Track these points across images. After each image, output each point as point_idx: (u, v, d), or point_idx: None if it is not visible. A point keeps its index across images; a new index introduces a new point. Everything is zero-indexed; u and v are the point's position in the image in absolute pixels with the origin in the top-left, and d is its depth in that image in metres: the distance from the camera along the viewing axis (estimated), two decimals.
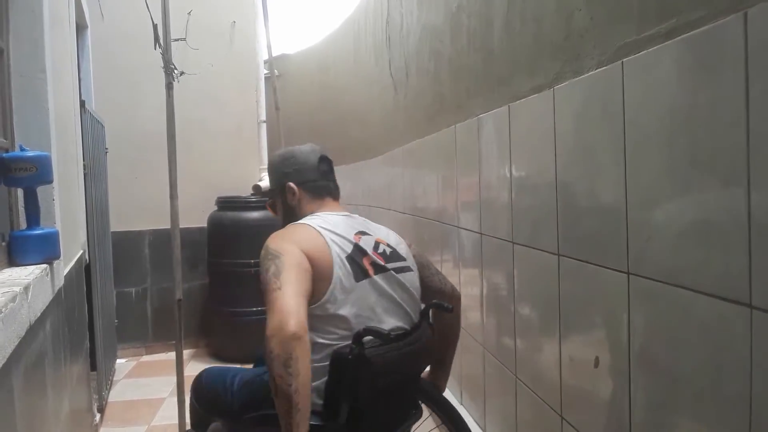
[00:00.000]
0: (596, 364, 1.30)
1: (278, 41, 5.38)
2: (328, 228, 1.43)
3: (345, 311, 1.36)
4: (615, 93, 1.21)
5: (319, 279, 1.33)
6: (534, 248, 1.63)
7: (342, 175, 6.26)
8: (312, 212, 1.55)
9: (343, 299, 1.36)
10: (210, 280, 3.87)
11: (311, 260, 1.32)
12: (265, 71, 4.61)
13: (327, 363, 1.33)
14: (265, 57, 4.40)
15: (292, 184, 1.59)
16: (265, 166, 4.34)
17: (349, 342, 1.31)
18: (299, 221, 1.50)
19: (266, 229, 3.73)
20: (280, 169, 1.64)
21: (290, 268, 1.27)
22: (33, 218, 1.55)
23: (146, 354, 3.86)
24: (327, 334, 1.35)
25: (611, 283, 1.24)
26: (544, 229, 1.56)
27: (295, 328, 1.16)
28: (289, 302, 1.20)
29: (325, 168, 1.65)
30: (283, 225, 1.55)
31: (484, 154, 1.98)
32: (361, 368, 1.30)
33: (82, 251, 2.54)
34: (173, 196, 2.47)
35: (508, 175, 1.80)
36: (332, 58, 6.45)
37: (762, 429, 0.86)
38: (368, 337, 1.32)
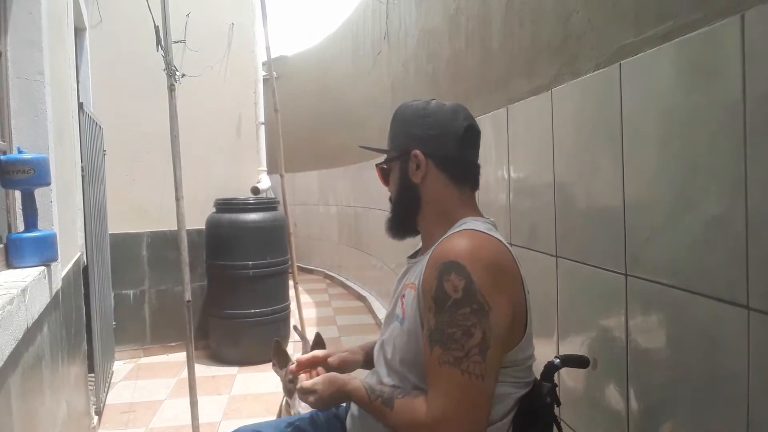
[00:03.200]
0: (594, 365, 1.30)
1: (277, 43, 5.39)
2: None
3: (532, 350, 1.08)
4: (613, 95, 1.21)
5: (517, 323, 1.01)
6: (532, 250, 1.63)
7: (341, 177, 6.30)
8: (456, 209, 1.12)
9: (531, 335, 1.07)
10: (208, 282, 3.87)
11: (513, 311, 0.99)
12: (264, 73, 4.61)
13: (508, 418, 1.04)
14: (264, 59, 4.40)
15: (419, 153, 1.11)
16: (264, 168, 4.34)
17: (524, 388, 1.05)
18: (484, 231, 1.05)
19: (265, 231, 3.77)
20: (407, 127, 1.14)
21: (497, 343, 0.95)
22: (30, 220, 1.55)
23: (144, 356, 3.86)
24: (513, 380, 1.03)
25: (609, 285, 1.24)
26: (542, 230, 1.56)
27: (473, 421, 0.93)
28: (485, 406, 0.95)
29: (472, 142, 1.16)
30: (398, 205, 1.17)
31: (482, 155, 1.97)
32: (552, 412, 1.07)
33: (79, 253, 2.53)
34: (179, 197, 2.46)
35: (506, 176, 1.81)
36: (331, 59, 6.46)
37: (759, 428, 0.86)
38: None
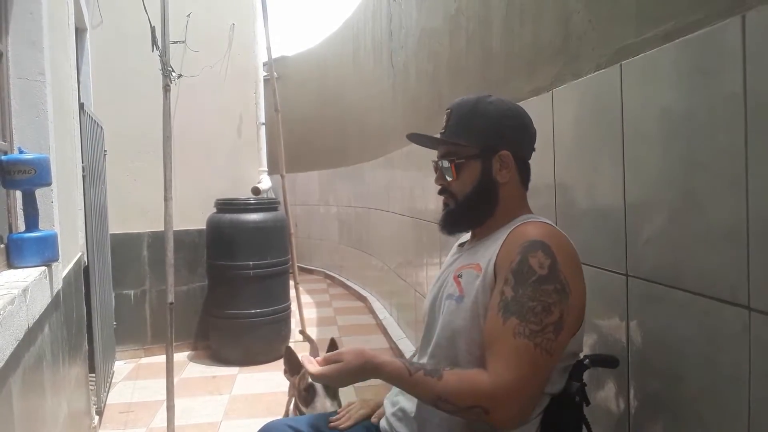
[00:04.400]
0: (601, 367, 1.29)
1: (277, 43, 5.39)
2: None
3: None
4: (613, 95, 1.21)
5: (580, 316, 1.05)
6: None
7: (341, 177, 6.30)
8: (520, 207, 1.16)
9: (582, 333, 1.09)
10: (209, 282, 3.87)
11: (581, 302, 1.04)
12: (265, 73, 4.61)
13: (539, 417, 1.05)
14: (265, 59, 4.40)
15: (509, 155, 1.12)
16: (265, 168, 4.34)
17: (558, 386, 1.06)
18: (553, 226, 1.09)
19: (266, 231, 3.77)
20: (496, 126, 1.13)
21: (568, 328, 0.98)
22: (31, 220, 1.55)
23: (145, 356, 3.86)
24: (554, 374, 1.04)
25: (610, 285, 1.24)
26: None
27: (529, 413, 0.96)
28: (544, 383, 0.98)
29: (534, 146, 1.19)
30: (471, 201, 1.14)
31: None
32: (581, 411, 1.07)
33: (80, 253, 2.53)
34: (167, 198, 2.46)
35: None
36: (331, 60, 6.46)
37: (760, 429, 0.86)
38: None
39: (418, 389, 0.99)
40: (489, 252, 1.08)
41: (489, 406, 0.92)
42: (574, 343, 1.04)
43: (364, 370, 1.01)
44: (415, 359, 1.21)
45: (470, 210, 1.15)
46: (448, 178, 1.15)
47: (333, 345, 1.65)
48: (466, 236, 1.29)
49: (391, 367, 1.00)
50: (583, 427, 1.09)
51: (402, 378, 1.00)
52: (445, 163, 1.15)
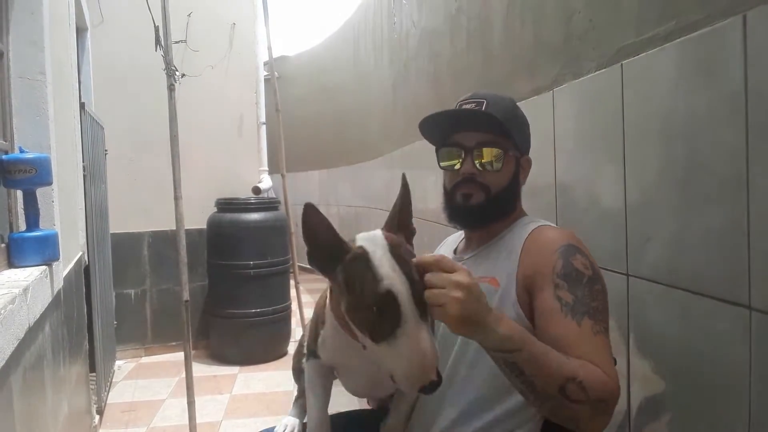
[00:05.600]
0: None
1: (278, 43, 5.39)
2: None
3: None
4: (614, 95, 1.21)
5: None
6: None
7: (341, 176, 6.28)
8: (520, 209, 1.16)
9: None
10: (209, 281, 3.87)
11: None
12: (265, 73, 4.61)
13: (539, 418, 1.01)
14: (265, 59, 4.40)
15: (530, 160, 1.17)
16: (265, 168, 4.34)
17: None
18: (555, 226, 1.10)
19: (266, 231, 3.77)
20: (524, 128, 1.15)
21: (606, 310, 0.97)
22: (32, 220, 1.55)
23: (145, 355, 3.86)
24: None
25: (611, 285, 1.24)
26: None
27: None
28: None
29: None
30: (499, 199, 1.09)
31: None
32: None
33: (81, 253, 2.53)
34: (177, 196, 2.46)
35: None
36: (332, 60, 6.46)
37: (760, 428, 0.86)
38: None
39: (548, 359, 0.83)
40: (506, 264, 1.03)
41: (612, 403, 0.85)
42: None
43: (481, 314, 0.78)
44: None
45: (499, 206, 1.09)
46: (492, 168, 1.07)
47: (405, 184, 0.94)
48: (455, 238, 1.25)
49: (512, 321, 0.85)
50: None
51: (527, 338, 0.83)
52: (492, 150, 1.06)
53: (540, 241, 1.02)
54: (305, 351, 1.08)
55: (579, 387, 0.82)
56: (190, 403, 2.43)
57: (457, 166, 1.09)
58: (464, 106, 1.10)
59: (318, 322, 1.02)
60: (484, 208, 1.08)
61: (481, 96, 1.10)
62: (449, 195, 1.13)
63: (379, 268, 0.76)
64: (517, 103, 1.17)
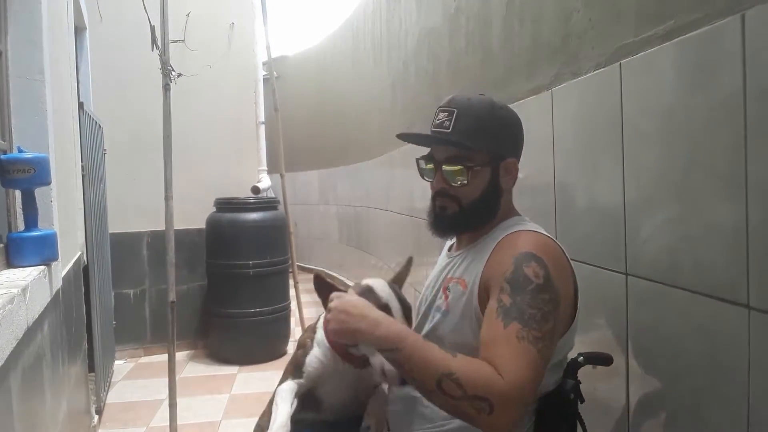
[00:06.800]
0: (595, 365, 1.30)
1: (277, 43, 5.38)
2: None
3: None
4: (613, 94, 1.21)
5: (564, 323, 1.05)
6: None
7: (340, 176, 6.27)
8: (516, 213, 1.17)
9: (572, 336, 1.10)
10: (208, 281, 3.87)
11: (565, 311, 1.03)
12: (264, 72, 4.61)
13: (530, 415, 1.06)
14: (264, 58, 4.40)
15: (515, 162, 1.13)
16: (264, 167, 4.34)
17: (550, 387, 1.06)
18: (544, 233, 1.08)
19: (265, 230, 3.76)
20: (507, 133, 1.13)
21: (558, 325, 0.97)
22: (31, 220, 1.55)
23: (144, 355, 3.86)
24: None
25: (610, 285, 1.24)
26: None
27: (530, 403, 0.94)
28: (539, 384, 0.93)
29: None
30: (477, 208, 1.11)
31: None
32: (575, 408, 1.08)
33: (80, 252, 2.53)
34: (168, 196, 2.46)
35: None
36: (331, 59, 6.46)
37: (760, 428, 0.86)
38: None
39: (426, 355, 0.91)
40: (475, 266, 1.07)
41: (498, 403, 0.86)
42: (560, 346, 1.04)
43: (368, 324, 0.96)
44: None
45: (473, 216, 1.11)
46: (457, 183, 1.09)
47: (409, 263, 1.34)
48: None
49: (398, 329, 0.96)
50: (578, 424, 1.08)
51: (416, 345, 0.92)
52: (455, 168, 1.08)
53: (505, 245, 1.05)
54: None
55: (454, 382, 0.88)
56: (172, 405, 2.45)
57: (432, 179, 1.14)
58: (439, 114, 1.12)
59: (305, 350, 1.21)
60: (455, 218, 1.12)
61: (454, 104, 1.11)
62: (431, 204, 1.17)
63: (381, 293, 1.11)
64: (516, 103, 1.17)
